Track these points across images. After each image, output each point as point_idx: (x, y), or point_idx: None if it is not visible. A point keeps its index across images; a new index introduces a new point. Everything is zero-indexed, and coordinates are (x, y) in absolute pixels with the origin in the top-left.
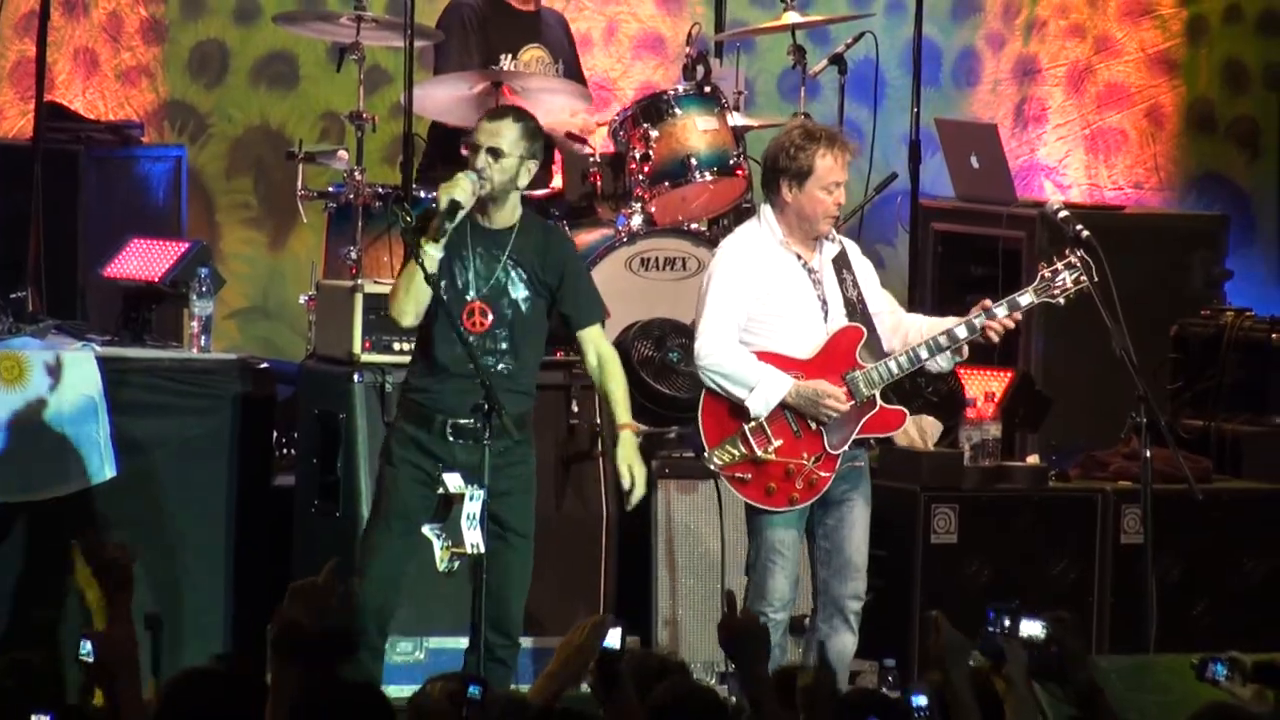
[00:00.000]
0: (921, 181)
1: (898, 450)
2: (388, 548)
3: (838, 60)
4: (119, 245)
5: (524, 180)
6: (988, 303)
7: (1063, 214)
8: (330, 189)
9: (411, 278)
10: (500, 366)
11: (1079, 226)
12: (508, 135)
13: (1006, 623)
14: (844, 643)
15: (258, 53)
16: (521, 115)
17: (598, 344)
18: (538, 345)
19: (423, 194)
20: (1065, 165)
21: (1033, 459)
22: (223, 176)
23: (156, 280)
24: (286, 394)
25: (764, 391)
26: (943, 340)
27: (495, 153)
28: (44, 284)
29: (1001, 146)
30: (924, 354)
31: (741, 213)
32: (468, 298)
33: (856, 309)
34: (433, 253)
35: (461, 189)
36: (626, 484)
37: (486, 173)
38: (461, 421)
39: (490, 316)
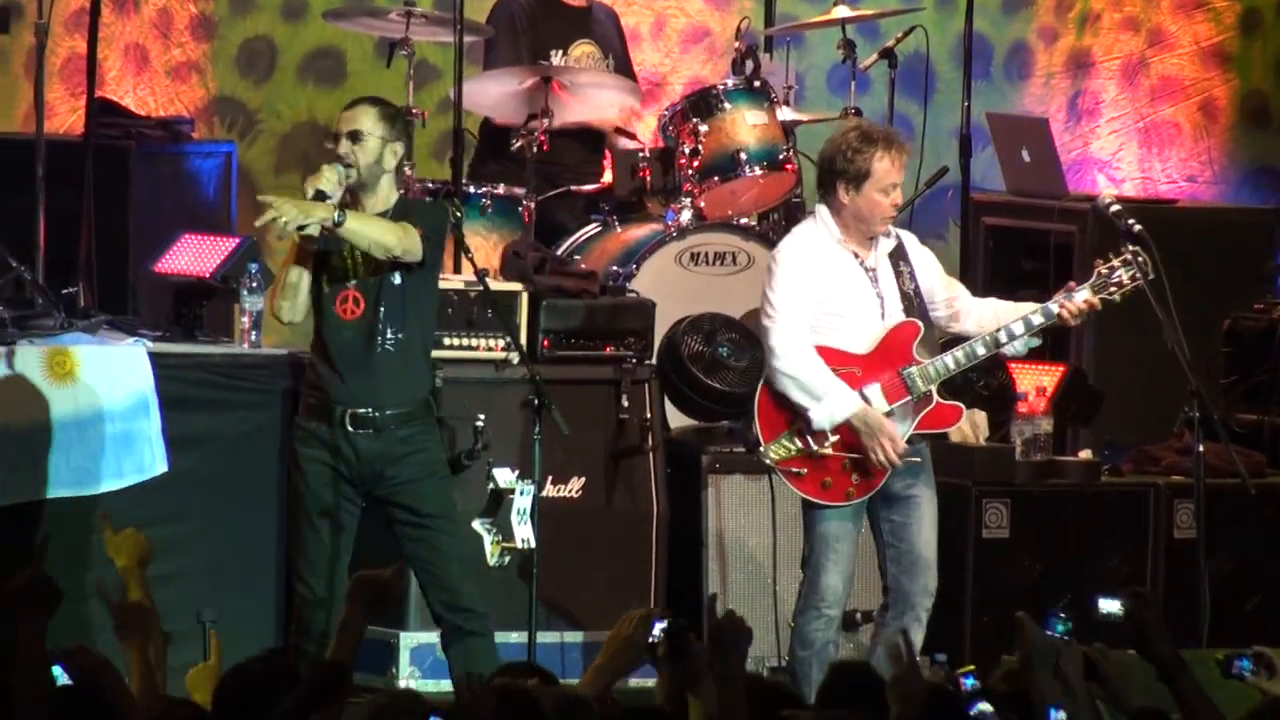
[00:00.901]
0: (972, 176)
1: (949, 445)
2: (317, 548)
3: (888, 54)
4: (170, 241)
5: (390, 163)
6: (1072, 284)
7: (1114, 208)
8: (429, 184)
9: (283, 275)
10: (386, 348)
11: (1130, 220)
12: (365, 119)
13: (1065, 628)
14: (914, 639)
15: (305, 48)
16: (377, 100)
17: None
18: (424, 323)
19: (472, 189)
20: (1119, 159)
21: (1085, 454)
22: (271, 172)
23: (207, 276)
24: None
25: (830, 405)
26: (1016, 328)
27: (355, 136)
28: (95, 280)
29: (1052, 140)
30: (981, 350)
31: (791, 207)
32: (346, 286)
33: (913, 303)
34: (307, 246)
35: (326, 179)
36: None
37: (350, 158)
38: (359, 411)
39: (363, 303)
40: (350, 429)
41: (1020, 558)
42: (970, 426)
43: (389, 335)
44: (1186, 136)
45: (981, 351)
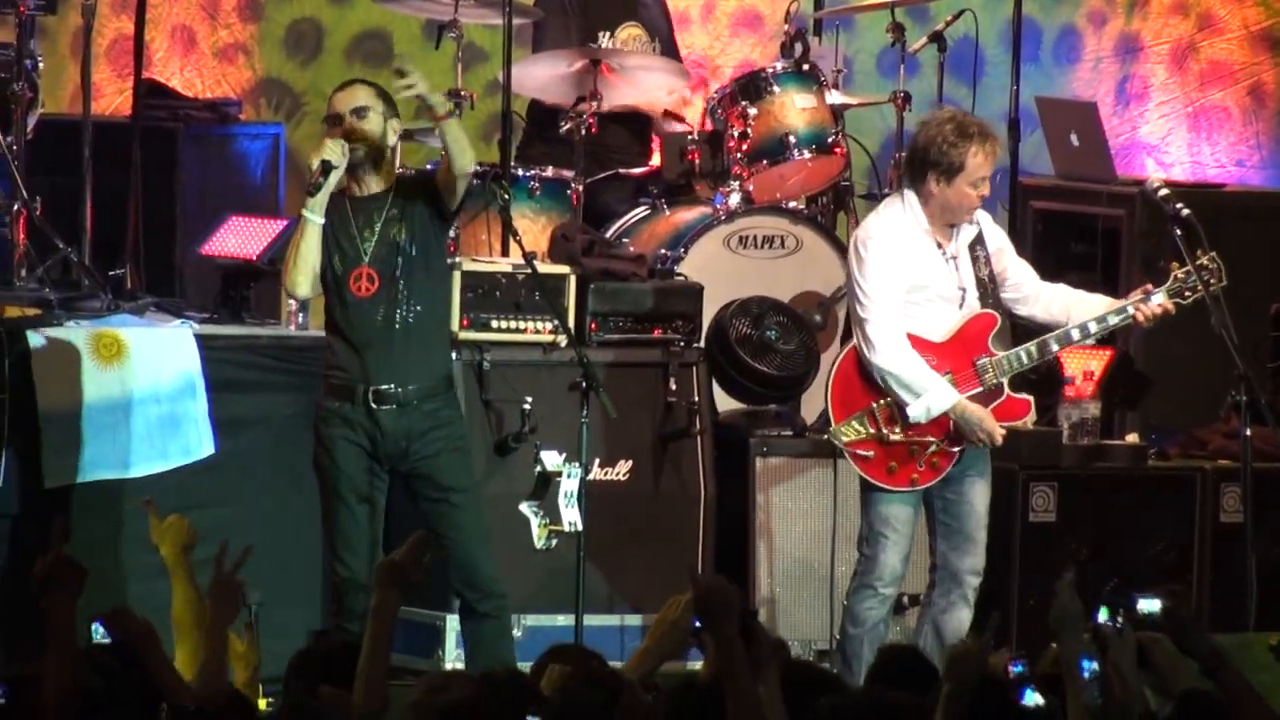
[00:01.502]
0: (1021, 159)
1: None
2: (354, 526)
3: (937, 38)
4: (217, 223)
5: (392, 139)
6: (1149, 287)
7: (1162, 192)
8: (428, 166)
9: (295, 247)
10: (404, 324)
11: (1178, 204)
12: (365, 95)
13: (1117, 618)
14: (960, 619)
15: (352, 31)
16: (366, 80)
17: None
18: (439, 298)
19: (520, 172)
20: (1167, 143)
21: (1132, 438)
22: None
23: (254, 258)
24: None
25: (929, 401)
26: (1091, 326)
27: (361, 112)
28: (142, 262)
29: (1101, 124)
30: (1055, 346)
31: (839, 191)
32: (359, 264)
33: (989, 290)
34: (312, 217)
35: (331, 150)
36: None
37: (357, 134)
38: (382, 388)
39: (377, 280)
40: (374, 406)
41: (1067, 541)
42: None
43: (406, 310)
44: (1235, 121)
45: (1055, 347)
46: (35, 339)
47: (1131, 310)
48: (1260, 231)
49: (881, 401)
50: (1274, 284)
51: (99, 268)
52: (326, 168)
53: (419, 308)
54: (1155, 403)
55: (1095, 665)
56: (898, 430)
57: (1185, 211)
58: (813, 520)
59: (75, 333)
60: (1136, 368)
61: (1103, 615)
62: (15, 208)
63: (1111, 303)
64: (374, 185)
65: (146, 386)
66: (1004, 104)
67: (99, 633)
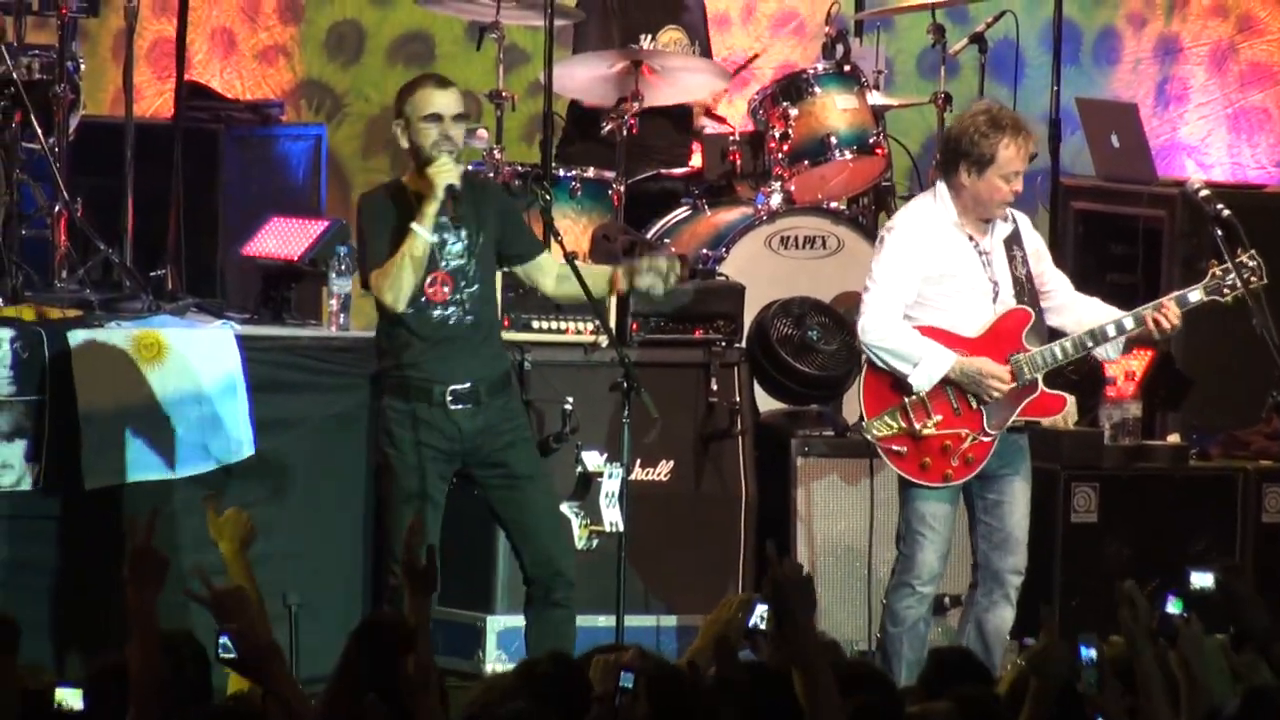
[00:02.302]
0: (1062, 160)
1: (1038, 429)
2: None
3: (978, 39)
4: (258, 224)
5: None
6: (1164, 299)
7: (1203, 193)
8: (469, 167)
9: (404, 262)
10: (475, 325)
11: (1220, 205)
12: (459, 100)
13: (1182, 607)
14: (1003, 617)
15: (394, 32)
16: (450, 80)
17: (553, 265)
18: (495, 301)
19: (562, 172)
20: (1207, 144)
21: (1173, 438)
22: (359, 156)
23: (295, 259)
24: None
25: (927, 367)
26: (1110, 330)
27: (462, 118)
28: (184, 263)
29: (1142, 125)
30: (1089, 343)
31: (880, 192)
32: (434, 269)
33: (1025, 288)
34: (424, 234)
35: (453, 173)
36: (641, 279)
37: (455, 139)
38: (459, 388)
39: (450, 284)
40: (451, 406)
41: (1109, 542)
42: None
43: (477, 310)
44: (1275, 122)
45: (1090, 344)
46: (76, 340)
47: (1148, 315)
48: None
49: (913, 396)
50: None
51: (140, 269)
52: (453, 193)
53: (486, 306)
54: (1196, 403)
55: (1094, 654)
56: (930, 425)
57: (1226, 212)
58: (853, 520)
59: (116, 334)
60: (1178, 368)
61: (1173, 606)
62: (57, 209)
63: (1128, 313)
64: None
65: (187, 387)
66: (1045, 105)
67: (226, 646)
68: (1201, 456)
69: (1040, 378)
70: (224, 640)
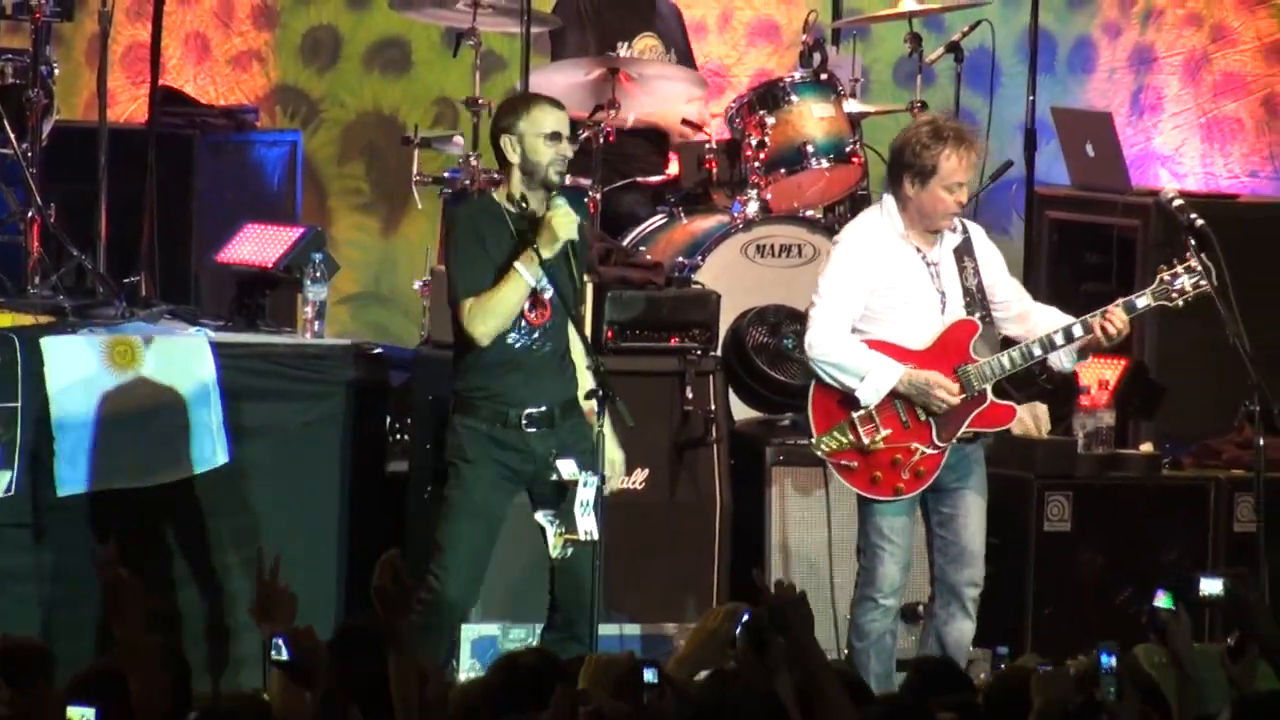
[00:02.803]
0: (1037, 169)
1: (1011, 438)
2: (470, 544)
3: (954, 48)
4: (233, 230)
5: None
6: (1111, 307)
7: (1177, 202)
8: (445, 174)
9: (502, 300)
10: (559, 348)
11: (1193, 215)
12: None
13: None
14: (962, 630)
15: (370, 38)
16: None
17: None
18: (569, 323)
19: None
20: (1181, 154)
21: (1146, 447)
22: (334, 162)
23: (270, 265)
24: (399, 380)
25: (875, 380)
26: (1057, 338)
27: (575, 139)
28: (158, 269)
29: (1116, 135)
30: (1037, 351)
31: (857, 200)
32: (535, 291)
33: (975, 299)
34: (529, 278)
35: (574, 227)
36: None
37: (568, 159)
38: (533, 411)
39: (549, 309)
40: (528, 429)
41: (1082, 550)
42: (1032, 419)
43: (558, 337)
44: (1249, 132)
45: (1038, 352)
46: (49, 346)
47: (1095, 322)
48: (1274, 242)
49: (861, 411)
50: None
51: (114, 275)
52: (573, 247)
53: (565, 329)
54: (1169, 412)
55: (1113, 661)
56: (879, 439)
57: (1200, 222)
58: (827, 529)
59: (89, 340)
60: (1151, 377)
61: (1163, 601)
62: (30, 215)
63: (1078, 319)
64: (538, 208)
65: (161, 394)
66: (1020, 114)
67: (280, 650)
68: (1174, 466)
69: (989, 388)
70: (278, 642)
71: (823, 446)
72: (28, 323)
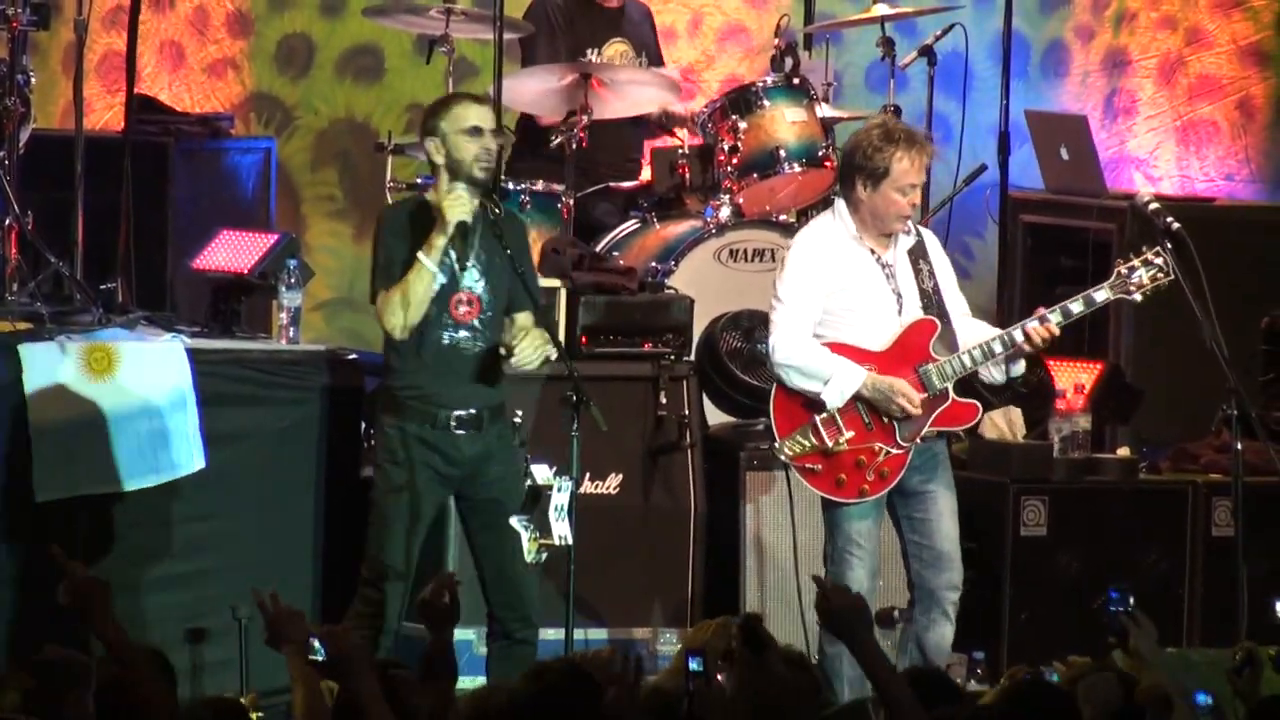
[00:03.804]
0: (1011, 173)
1: (987, 442)
2: (405, 548)
3: (927, 52)
4: (208, 237)
5: None
6: (1041, 310)
7: (1153, 206)
8: (419, 180)
9: (409, 292)
10: (487, 348)
11: (1169, 219)
12: (492, 115)
13: (1130, 601)
14: (942, 634)
15: (344, 45)
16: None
17: (526, 320)
18: (502, 326)
19: (511, 186)
20: (1156, 157)
21: (1123, 451)
22: (308, 169)
23: (245, 272)
24: (374, 385)
25: (838, 383)
26: (1016, 335)
27: (497, 133)
28: (133, 276)
29: (1091, 138)
30: (998, 348)
31: (829, 204)
32: (458, 289)
33: (932, 300)
34: (431, 267)
35: (466, 208)
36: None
37: (493, 153)
38: (462, 413)
39: (476, 305)
40: (456, 430)
41: (1058, 555)
42: (1007, 424)
43: (488, 334)
44: (1224, 135)
45: (998, 349)
46: (26, 353)
47: (1019, 335)
48: (1250, 246)
49: (824, 414)
50: (1264, 298)
51: (90, 282)
52: (465, 230)
53: (497, 332)
54: (1146, 416)
55: (1210, 701)
56: (842, 441)
57: (1175, 225)
58: (802, 532)
59: (66, 347)
60: (1128, 381)
61: (1118, 605)
62: (7, 222)
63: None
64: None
65: (137, 400)
66: (993, 118)
67: (317, 649)
68: (1151, 470)
69: (950, 387)
70: (314, 643)
71: (786, 450)
72: (5, 329)
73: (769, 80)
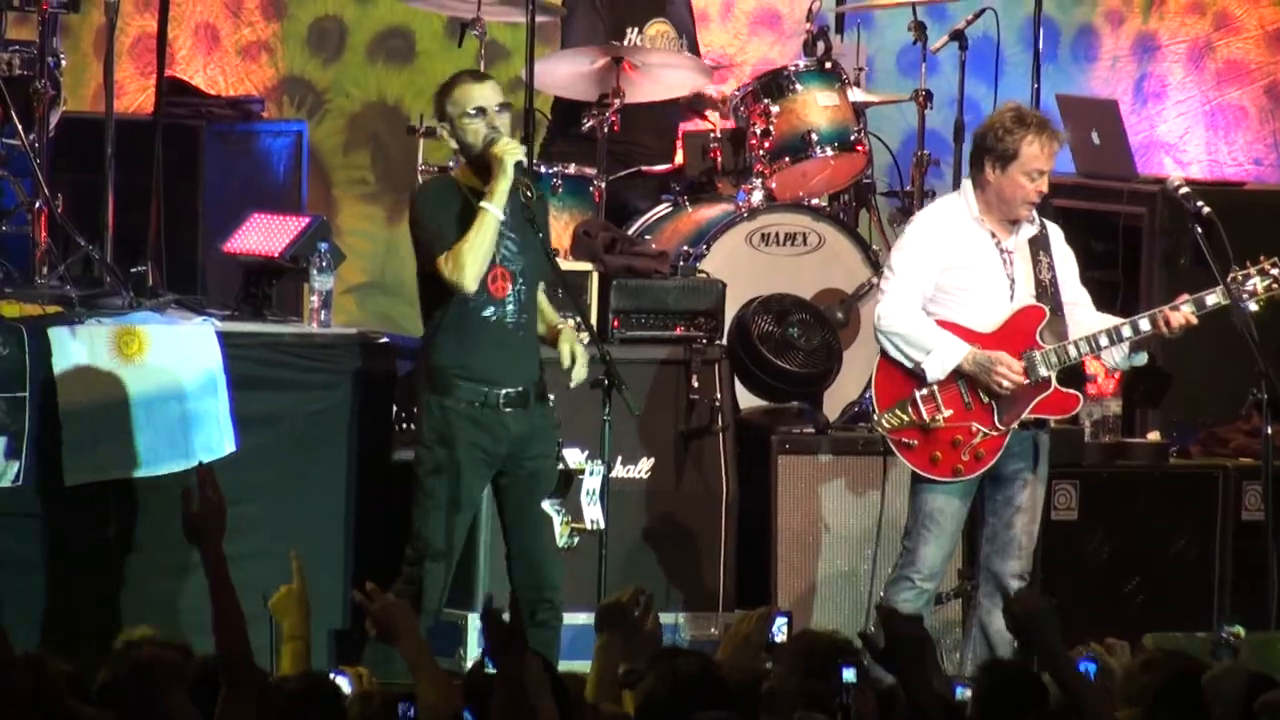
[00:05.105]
0: None
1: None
2: (453, 536)
3: (958, 36)
4: (239, 220)
5: None
6: (1185, 296)
7: (1183, 190)
8: (450, 164)
9: (477, 239)
10: (525, 324)
11: (1199, 203)
12: (498, 89)
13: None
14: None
15: (375, 28)
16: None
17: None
18: (537, 304)
19: (543, 169)
20: (1185, 142)
21: (1153, 436)
22: (340, 152)
23: (276, 255)
24: (405, 369)
25: (940, 355)
26: (1125, 330)
27: (505, 108)
28: (164, 259)
29: (1122, 122)
30: (1104, 341)
31: (861, 188)
32: (494, 263)
33: (1047, 291)
34: (496, 211)
35: (520, 150)
36: (566, 363)
37: (502, 130)
38: (511, 391)
39: (510, 280)
40: (505, 409)
41: (1089, 539)
42: None
43: (528, 311)
44: (1253, 119)
45: (1104, 342)
46: (57, 336)
47: (1160, 316)
48: (1279, 229)
49: (924, 390)
50: None
51: (120, 265)
52: (523, 169)
53: (533, 308)
54: (1176, 401)
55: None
56: (940, 418)
57: (1206, 210)
58: (834, 517)
59: (96, 330)
60: (1158, 366)
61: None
62: (37, 206)
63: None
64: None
65: (168, 384)
66: (1024, 102)
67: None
68: (1181, 454)
69: (1054, 375)
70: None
71: (884, 423)
72: (35, 313)
73: (801, 64)
